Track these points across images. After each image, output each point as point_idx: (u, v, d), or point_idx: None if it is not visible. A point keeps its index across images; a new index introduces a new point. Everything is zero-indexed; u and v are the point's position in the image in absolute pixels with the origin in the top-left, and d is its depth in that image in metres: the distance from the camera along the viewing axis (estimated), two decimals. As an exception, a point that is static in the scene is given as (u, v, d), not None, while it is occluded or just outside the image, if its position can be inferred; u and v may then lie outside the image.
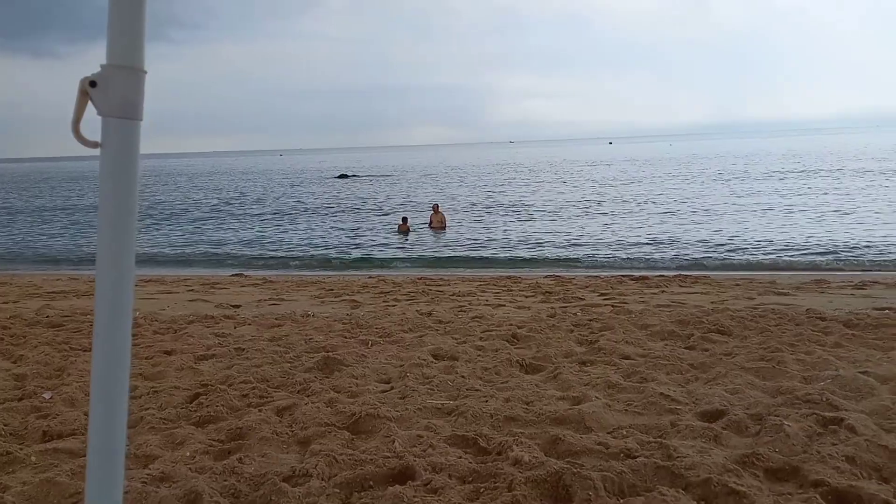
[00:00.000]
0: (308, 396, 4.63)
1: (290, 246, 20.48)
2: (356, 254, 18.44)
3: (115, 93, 1.34)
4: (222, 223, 26.49)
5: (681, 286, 10.77)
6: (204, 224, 26.53)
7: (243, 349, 6.17)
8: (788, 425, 3.60)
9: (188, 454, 3.72)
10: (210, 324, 7.61)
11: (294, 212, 30.65)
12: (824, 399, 4.02)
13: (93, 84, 1.33)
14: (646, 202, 29.15)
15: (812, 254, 15.84)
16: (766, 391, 4.46)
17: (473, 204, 31.54)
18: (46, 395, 4.70)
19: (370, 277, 13.41)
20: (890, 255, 15.28)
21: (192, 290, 11.49)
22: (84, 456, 3.54)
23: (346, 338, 6.59)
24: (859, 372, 4.66)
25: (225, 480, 3.23)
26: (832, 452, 3.30)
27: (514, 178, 51.47)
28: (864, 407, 3.98)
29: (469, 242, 20.06)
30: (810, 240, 17.65)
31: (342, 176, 60.98)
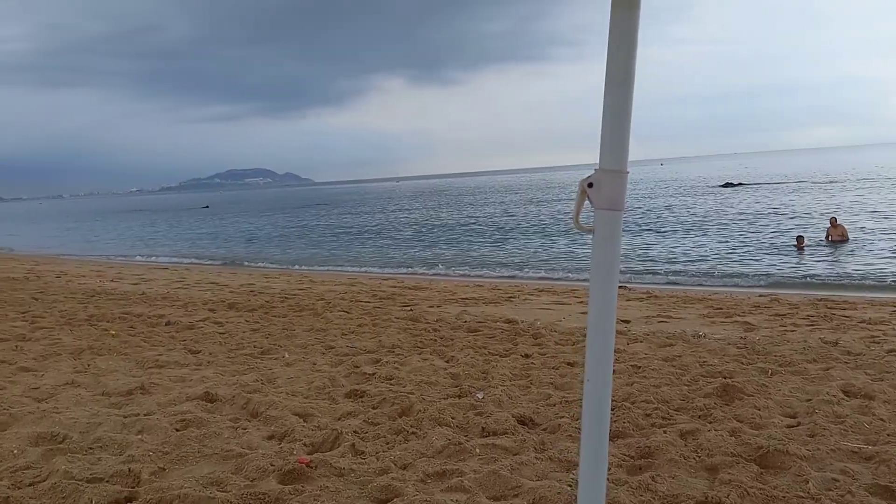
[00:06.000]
0: (710, 423, 4.74)
1: (673, 258, 20.36)
2: (743, 271, 17.57)
3: (605, 191, 1.74)
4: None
5: None
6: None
7: (639, 367, 6.48)
8: None
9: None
10: (604, 339, 8.09)
11: (675, 224, 30.30)
12: None
13: (590, 185, 1.74)
14: None
15: None
16: None
17: (886, 217, 27.59)
18: (479, 395, 5.57)
19: (761, 296, 12.74)
20: None
21: (581, 301, 12.23)
22: (516, 454, 4.19)
23: (742, 364, 6.49)
24: None
25: (641, 495, 3.56)
26: None
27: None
28: None
29: (876, 258, 17.74)
30: None
31: (727, 185, 58.21)
